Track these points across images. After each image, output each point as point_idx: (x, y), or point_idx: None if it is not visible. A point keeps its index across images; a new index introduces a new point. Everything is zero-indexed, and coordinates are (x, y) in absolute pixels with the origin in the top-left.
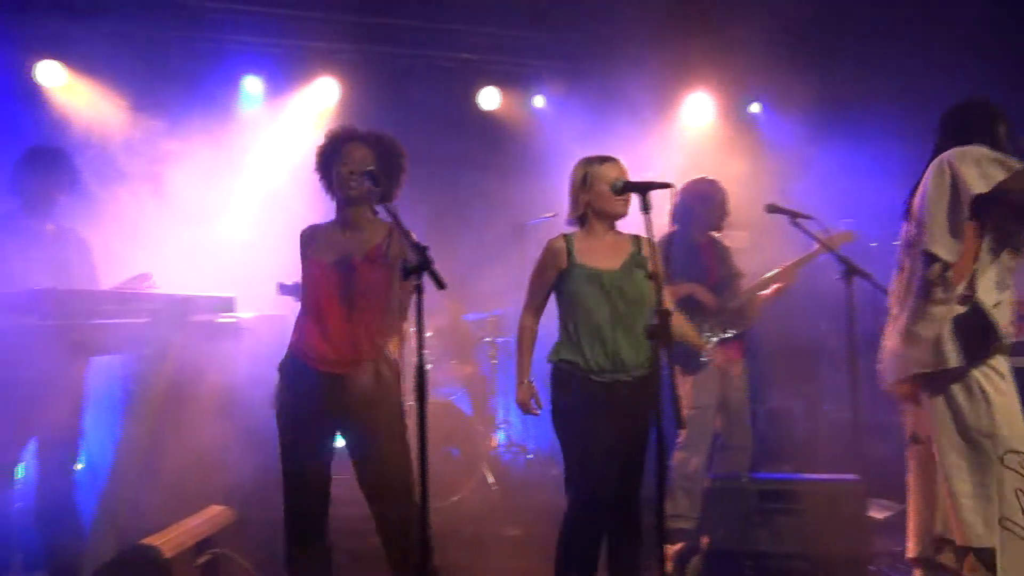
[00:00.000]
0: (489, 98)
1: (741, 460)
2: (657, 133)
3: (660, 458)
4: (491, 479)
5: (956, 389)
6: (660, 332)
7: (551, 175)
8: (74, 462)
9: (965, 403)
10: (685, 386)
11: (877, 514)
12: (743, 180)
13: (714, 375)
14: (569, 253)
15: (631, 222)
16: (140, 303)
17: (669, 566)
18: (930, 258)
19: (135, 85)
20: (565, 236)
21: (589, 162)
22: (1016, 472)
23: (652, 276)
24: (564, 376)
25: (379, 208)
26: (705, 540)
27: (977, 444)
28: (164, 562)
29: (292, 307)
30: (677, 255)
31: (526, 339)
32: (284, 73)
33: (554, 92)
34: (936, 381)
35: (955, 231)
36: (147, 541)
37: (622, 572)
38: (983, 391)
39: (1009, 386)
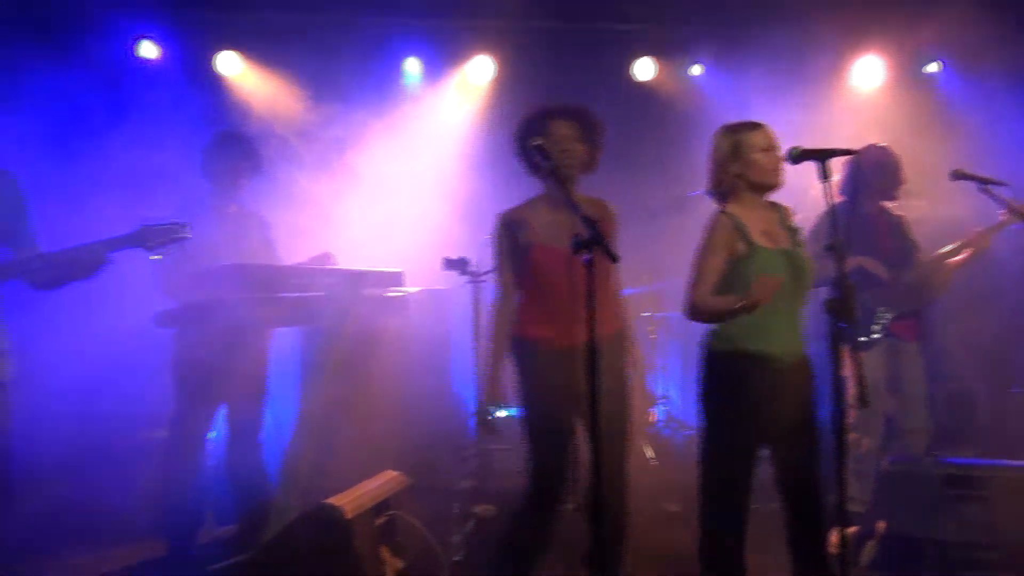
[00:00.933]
0: (644, 69)
1: (917, 444)
2: (823, 99)
3: (838, 438)
4: (650, 454)
5: None
6: (842, 307)
7: (710, 145)
8: (260, 426)
9: None
10: (854, 365)
11: None
12: (918, 146)
13: (885, 353)
14: (742, 233)
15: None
16: (318, 278)
17: (839, 550)
18: None
19: (305, 71)
20: (728, 213)
21: (736, 130)
22: None
23: (832, 247)
24: (743, 366)
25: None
26: (881, 525)
27: None
28: (347, 522)
29: (455, 281)
30: (845, 227)
31: (711, 296)
32: (442, 53)
33: (711, 60)
34: None
35: None
36: (330, 501)
37: (809, 558)
38: None
39: None
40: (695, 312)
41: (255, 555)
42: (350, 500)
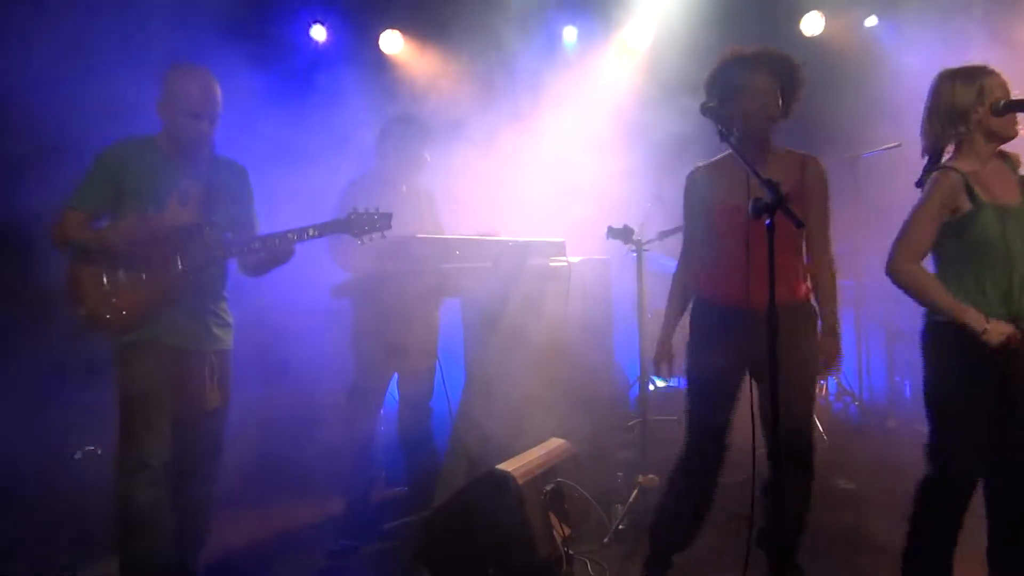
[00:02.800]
0: (812, 23)
1: None
2: (1008, 50)
3: None
4: (820, 429)
5: None
6: None
7: (888, 101)
8: (430, 394)
9: None
10: None
11: None
12: None
13: None
14: (970, 190)
15: None
16: (485, 248)
17: None
18: None
19: (465, 46)
20: (955, 170)
21: (974, 74)
22: None
23: None
24: (961, 337)
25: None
26: None
27: None
28: (517, 488)
29: (619, 250)
30: None
31: (935, 281)
32: (598, 19)
33: (888, 9)
34: None
35: None
36: (501, 467)
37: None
38: None
39: None
40: (900, 280)
41: (428, 517)
42: (519, 466)
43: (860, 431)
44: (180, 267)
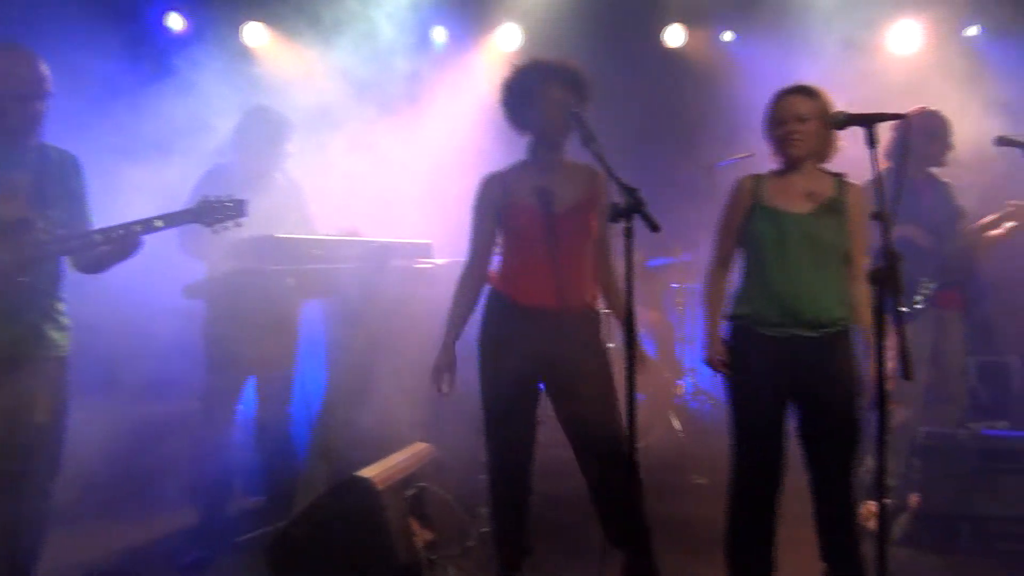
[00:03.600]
0: (674, 35)
1: (952, 415)
2: (859, 64)
3: (881, 412)
4: (678, 426)
5: None
6: (887, 277)
7: (742, 113)
8: (289, 398)
9: None
10: (895, 336)
11: None
12: (958, 112)
13: (927, 324)
14: (755, 192)
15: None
16: (346, 250)
17: (872, 523)
18: None
19: (331, 42)
20: (751, 175)
21: (773, 97)
22: None
23: (878, 216)
24: (735, 332)
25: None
26: (915, 499)
27: None
28: (377, 493)
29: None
30: (892, 194)
31: (710, 291)
32: (468, 21)
33: (744, 26)
34: None
35: None
36: (361, 473)
37: (836, 534)
38: None
39: None
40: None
41: (285, 526)
42: (380, 472)
43: (714, 428)
44: (7, 266)
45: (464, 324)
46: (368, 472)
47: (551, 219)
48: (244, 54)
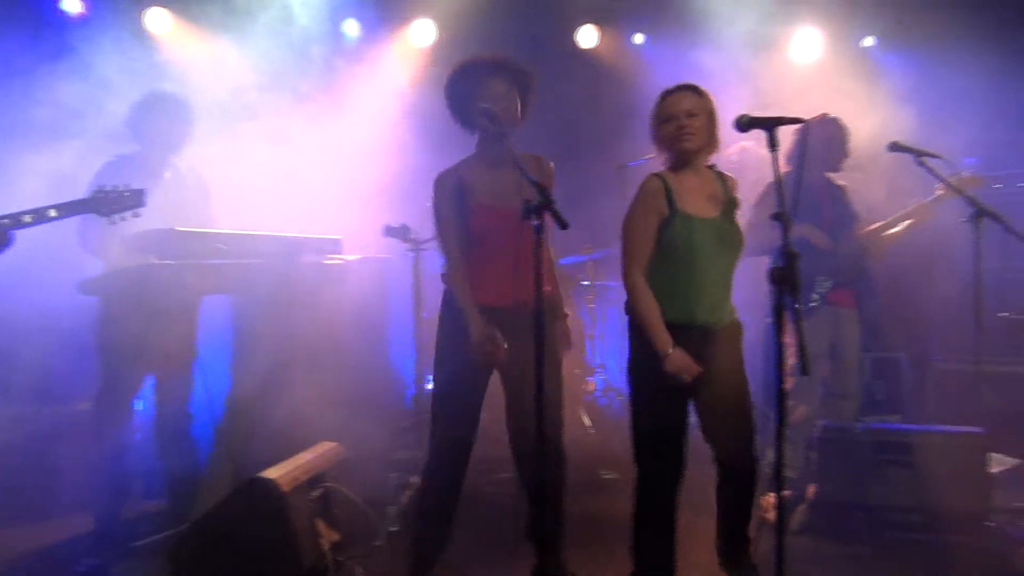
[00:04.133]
0: (587, 36)
1: (847, 410)
2: (763, 69)
3: (779, 405)
4: (588, 422)
5: None
6: (786, 276)
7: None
8: (189, 397)
9: None
10: (794, 333)
11: (994, 468)
12: (855, 118)
13: (823, 321)
14: (669, 198)
15: None
16: (254, 244)
17: (771, 515)
18: None
19: (238, 30)
20: (657, 175)
21: (659, 97)
22: None
23: (778, 217)
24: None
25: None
26: (812, 490)
27: None
28: (282, 495)
29: (395, 249)
30: (791, 196)
31: (650, 299)
32: (381, 15)
33: (654, 29)
34: None
35: None
36: (265, 474)
37: (736, 523)
38: None
39: None
40: (628, 292)
41: (185, 530)
42: (285, 472)
43: (624, 424)
44: None
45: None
46: (273, 473)
47: (512, 216)
48: (146, 40)
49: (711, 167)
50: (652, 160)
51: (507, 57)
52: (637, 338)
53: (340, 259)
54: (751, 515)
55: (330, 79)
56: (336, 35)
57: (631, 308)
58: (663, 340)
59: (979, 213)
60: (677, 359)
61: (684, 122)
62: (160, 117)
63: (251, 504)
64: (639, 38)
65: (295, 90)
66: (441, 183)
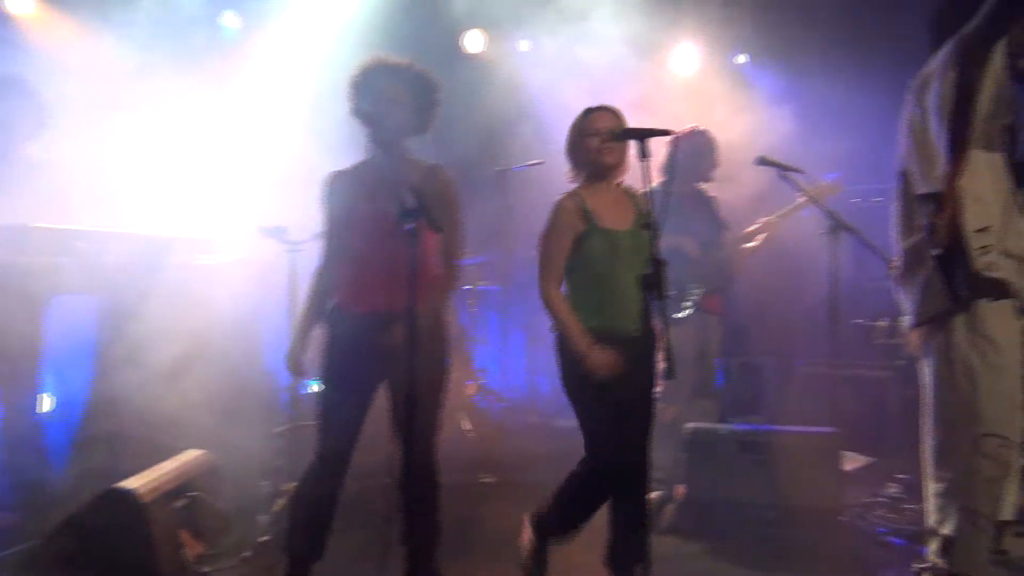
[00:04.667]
0: (474, 40)
1: (711, 411)
2: (643, 81)
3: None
4: (467, 426)
5: (942, 355)
6: (654, 283)
7: (535, 121)
8: (35, 403)
9: (946, 375)
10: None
11: (847, 466)
12: (726, 131)
13: (693, 327)
14: (586, 215)
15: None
16: (117, 243)
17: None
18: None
19: (107, 17)
20: (572, 194)
21: (581, 115)
22: (991, 459)
23: (648, 226)
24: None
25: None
26: (680, 489)
27: (950, 424)
28: (142, 505)
29: (271, 249)
30: (663, 206)
31: (566, 308)
32: (263, 7)
33: (539, 37)
34: (925, 340)
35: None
36: (124, 484)
37: (630, 524)
38: (967, 363)
39: (1005, 357)
40: (545, 305)
41: (37, 544)
42: (146, 482)
43: (503, 427)
44: None
45: (316, 319)
46: (133, 482)
47: (392, 221)
48: (6, 23)
49: (619, 184)
50: (536, 166)
51: (409, 63)
52: (565, 350)
53: (213, 259)
54: (645, 519)
55: (208, 72)
56: (214, 26)
57: (552, 318)
58: (583, 341)
59: (836, 226)
60: (597, 357)
61: (606, 139)
62: (7, 103)
63: (109, 515)
64: (524, 45)
65: (170, 82)
66: (329, 184)
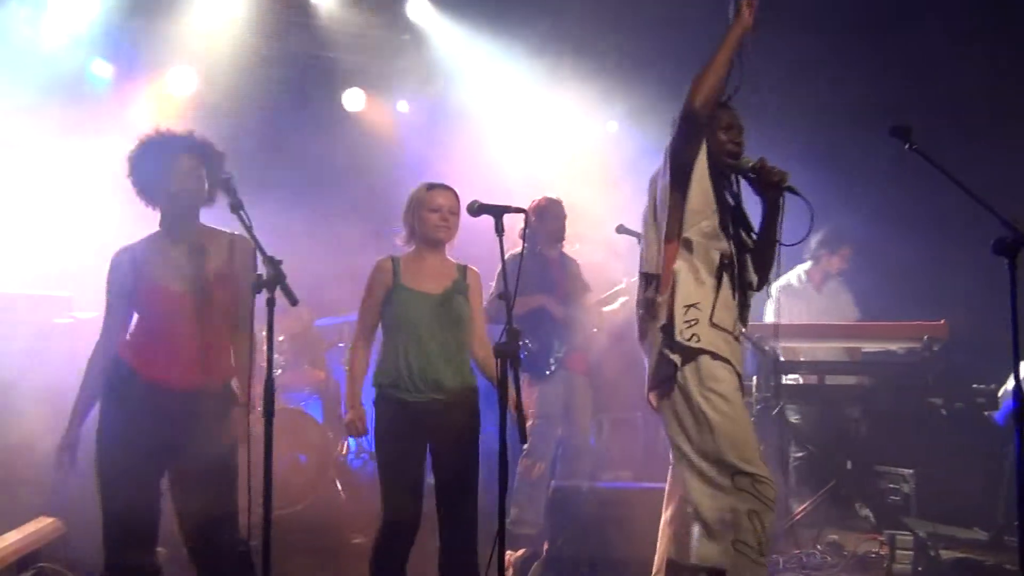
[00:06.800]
0: (354, 99)
1: (583, 467)
2: (517, 144)
3: (502, 468)
4: (338, 486)
5: (683, 412)
6: (508, 350)
7: (412, 182)
8: None
9: (693, 427)
10: (532, 395)
11: None
12: (596, 197)
13: (559, 384)
14: (396, 273)
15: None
16: None
17: (510, 572)
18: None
19: None
20: (393, 257)
21: (419, 188)
22: (748, 494)
23: (502, 296)
24: (383, 398)
25: (236, 216)
26: (546, 546)
27: (708, 468)
28: None
29: None
30: (528, 269)
31: (357, 364)
32: (137, 58)
33: (417, 98)
34: (661, 399)
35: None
36: None
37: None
38: (705, 415)
39: (733, 406)
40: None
41: None
42: None
43: (375, 487)
44: None
45: (93, 403)
46: None
47: (187, 297)
48: None
49: (457, 262)
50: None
51: (192, 133)
52: (377, 407)
53: (70, 318)
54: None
55: (72, 122)
56: (80, 75)
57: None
58: (350, 398)
59: None
60: (349, 418)
61: (446, 216)
62: None
63: None
64: (403, 106)
65: (28, 131)
66: (115, 259)
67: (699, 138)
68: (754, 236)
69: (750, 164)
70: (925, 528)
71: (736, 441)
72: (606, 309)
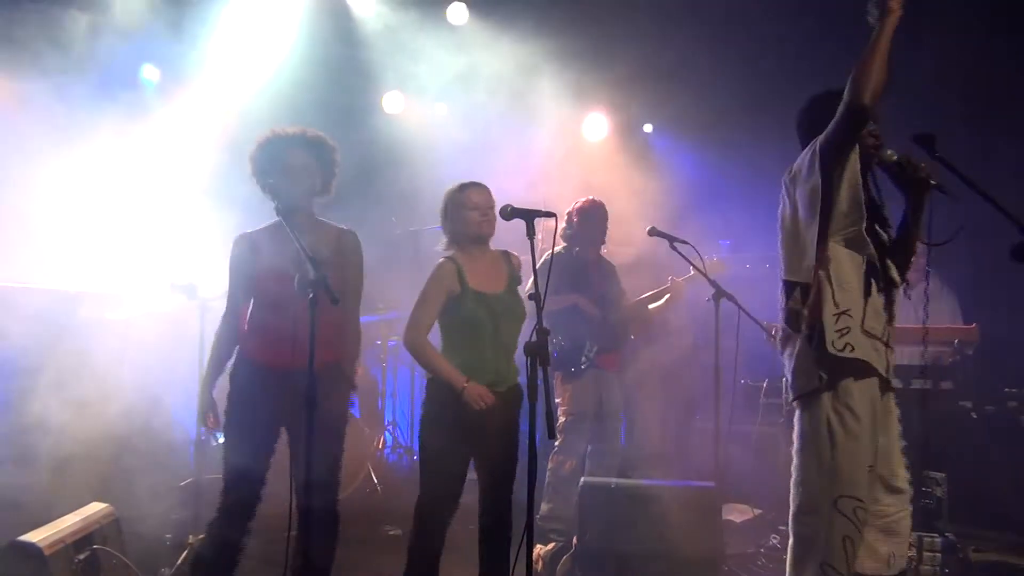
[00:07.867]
0: (393, 102)
1: (612, 464)
2: (556, 147)
3: (531, 463)
4: (375, 479)
5: (807, 422)
6: (538, 349)
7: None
8: None
9: (815, 440)
10: (564, 393)
11: (735, 517)
12: (637, 197)
13: (591, 382)
14: (461, 278)
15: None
16: (23, 297)
17: (540, 566)
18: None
19: (32, 66)
20: (451, 259)
21: (455, 189)
22: (847, 518)
23: (532, 297)
24: (442, 391)
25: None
26: (575, 541)
27: (813, 482)
28: (43, 559)
29: (182, 305)
30: (565, 268)
31: (435, 352)
32: (185, 62)
33: (456, 100)
34: (798, 408)
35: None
36: (27, 537)
37: (492, 571)
38: (831, 431)
39: (862, 425)
40: (412, 351)
41: None
42: (48, 535)
43: (411, 481)
44: None
45: (220, 372)
46: (34, 535)
47: (293, 284)
48: None
49: (502, 252)
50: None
51: (308, 130)
52: (433, 395)
53: (123, 313)
54: (507, 570)
55: (125, 125)
56: (133, 79)
57: (423, 364)
58: (457, 377)
59: (718, 294)
60: (474, 389)
61: (485, 211)
62: None
63: (11, 568)
64: (442, 108)
65: (84, 133)
66: (235, 244)
67: (859, 135)
68: (891, 233)
69: (894, 158)
70: (955, 531)
71: (854, 462)
72: (652, 306)
